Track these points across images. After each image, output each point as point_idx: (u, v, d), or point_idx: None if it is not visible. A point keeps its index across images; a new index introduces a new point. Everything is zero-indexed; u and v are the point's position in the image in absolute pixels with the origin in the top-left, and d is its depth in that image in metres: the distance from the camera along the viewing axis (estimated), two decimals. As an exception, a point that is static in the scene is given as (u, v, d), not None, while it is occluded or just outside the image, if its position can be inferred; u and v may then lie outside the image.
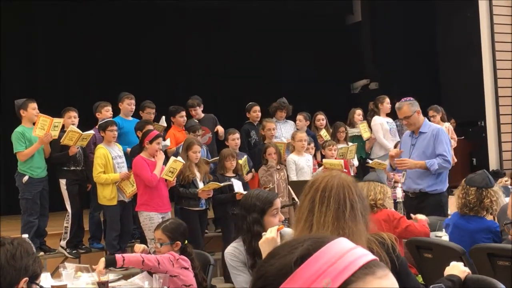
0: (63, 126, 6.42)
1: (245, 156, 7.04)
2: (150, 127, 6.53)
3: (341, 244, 0.99)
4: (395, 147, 7.38)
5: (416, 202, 5.41)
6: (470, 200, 4.07)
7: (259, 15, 11.50)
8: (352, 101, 10.90)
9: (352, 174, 7.42)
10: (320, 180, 2.20)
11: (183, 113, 7.53)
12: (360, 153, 8.19)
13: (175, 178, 6.12)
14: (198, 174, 6.33)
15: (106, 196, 6.30)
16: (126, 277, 4.26)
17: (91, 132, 6.59)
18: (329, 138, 7.87)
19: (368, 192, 4.30)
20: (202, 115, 7.76)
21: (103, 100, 7.19)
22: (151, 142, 5.97)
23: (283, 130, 7.95)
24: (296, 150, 7.20)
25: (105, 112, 6.94)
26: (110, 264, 3.59)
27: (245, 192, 5.34)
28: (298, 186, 6.25)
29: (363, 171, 7.68)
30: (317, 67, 11.74)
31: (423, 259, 4.07)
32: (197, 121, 7.53)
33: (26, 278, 2.04)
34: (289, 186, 6.87)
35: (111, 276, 3.74)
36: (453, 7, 10.63)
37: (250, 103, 8.00)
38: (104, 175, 6.24)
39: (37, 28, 10.13)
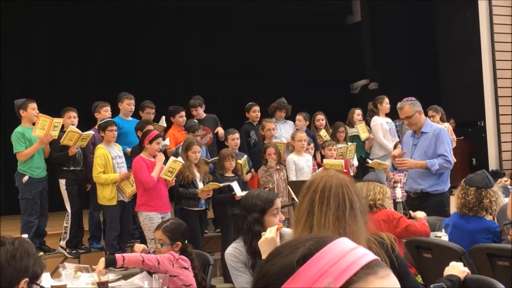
0: (62, 126, 6.42)
1: (245, 156, 7.04)
2: (150, 127, 6.53)
3: (343, 244, 0.99)
4: (395, 147, 7.38)
5: (418, 202, 5.42)
6: (470, 200, 4.07)
7: (259, 15, 11.50)
8: (352, 101, 10.90)
9: (352, 174, 7.43)
10: (318, 181, 2.21)
11: (183, 113, 7.53)
12: (359, 153, 8.19)
13: (174, 178, 6.12)
14: (197, 174, 6.34)
15: (106, 196, 6.30)
16: (125, 277, 4.26)
17: (91, 132, 6.59)
18: (329, 138, 7.87)
19: (367, 192, 4.30)
20: (204, 115, 7.77)
21: (103, 100, 7.18)
22: (151, 142, 5.97)
23: (282, 130, 7.95)
24: (295, 150, 7.20)
25: (104, 112, 6.93)
26: (110, 264, 3.59)
27: (244, 193, 5.34)
28: (297, 186, 6.25)
29: (362, 171, 7.68)
30: (317, 67, 11.74)
31: (422, 259, 4.07)
32: (197, 121, 7.53)
33: (26, 279, 2.05)
34: (288, 186, 6.87)
35: (111, 276, 3.74)
36: (453, 7, 10.63)
37: (250, 103, 8.00)
38: (104, 175, 6.24)
39: (37, 28, 10.13)
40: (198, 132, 7.10)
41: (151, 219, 5.92)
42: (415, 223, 4.34)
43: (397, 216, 4.36)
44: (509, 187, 6.48)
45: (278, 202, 3.11)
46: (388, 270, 0.98)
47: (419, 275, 4.11)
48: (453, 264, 2.88)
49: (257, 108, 7.89)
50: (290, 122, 8.16)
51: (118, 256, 3.65)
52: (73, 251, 6.46)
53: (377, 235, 2.37)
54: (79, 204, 6.59)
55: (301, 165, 7.09)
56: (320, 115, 8.32)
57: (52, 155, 6.48)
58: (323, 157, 7.56)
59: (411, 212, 4.65)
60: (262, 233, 2.68)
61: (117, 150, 6.48)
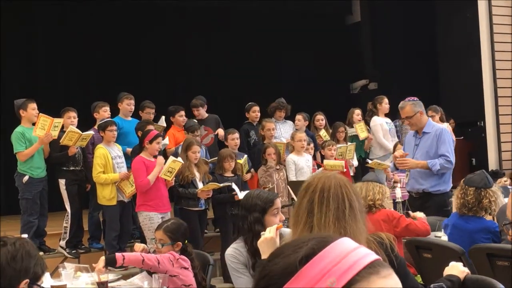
0: (62, 126, 6.42)
1: (245, 156, 7.04)
2: (150, 127, 6.53)
3: (345, 243, 1.00)
4: (395, 147, 7.38)
5: (420, 202, 5.43)
6: (469, 201, 4.07)
7: (259, 15, 11.50)
8: (352, 101, 10.90)
9: (351, 174, 7.43)
10: (317, 181, 2.21)
11: (183, 112, 7.53)
12: (359, 152, 8.19)
13: (174, 178, 6.12)
14: (197, 174, 6.34)
15: (106, 196, 6.31)
16: (125, 277, 4.27)
17: (91, 132, 6.59)
18: (329, 138, 7.86)
19: (366, 193, 4.29)
20: (206, 115, 7.77)
21: (103, 100, 7.18)
22: (151, 142, 5.97)
23: (282, 130, 7.95)
24: (295, 150, 7.20)
25: (103, 113, 6.93)
26: (110, 262, 3.60)
27: (244, 193, 5.33)
28: (297, 186, 6.23)
29: (362, 171, 7.68)
30: (317, 67, 11.74)
31: (422, 259, 4.07)
32: (196, 121, 7.54)
33: (27, 280, 2.05)
34: (288, 186, 6.87)
35: (110, 276, 3.75)
36: (453, 7, 10.63)
37: (250, 103, 8.00)
38: (104, 175, 6.25)
39: (37, 28, 10.13)
40: (197, 132, 7.10)
41: (151, 219, 5.92)
42: (415, 222, 4.33)
43: (397, 216, 4.35)
44: (509, 187, 6.47)
45: (278, 202, 3.12)
46: (390, 270, 0.98)
47: (419, 275, 4.12)
48: (452, 264, 2.88)
49: (257, 108, 7.89)
50: (289, 122, 8.16)
51: (118, 255, 3.64)
52: (73, 251, 6.47)
53: (376, 235, 2.37)
54: (78, 204, 6.59)
55: (301, 165, 7.09)
56: (319, 115, 8.32)
57: (52, 155, 6.48)
58: (323, 157, 7.56)
59: (410, 212, 4.65)
60: (262, 232, 2.68)
61: (117, 150, 6.48)
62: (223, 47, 11.17)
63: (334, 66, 11.91)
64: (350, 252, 0.97)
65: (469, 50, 10.32)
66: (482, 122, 10.27)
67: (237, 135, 7.18)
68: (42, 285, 2.16)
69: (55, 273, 4.60)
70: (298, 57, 11.58)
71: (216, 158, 6.81)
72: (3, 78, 9.30)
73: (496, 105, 10.18)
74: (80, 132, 6.30)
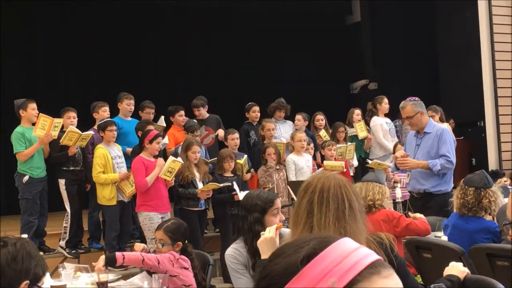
0: (62, 126, 6.42)
1: (245, 156, 7.04)
2: (151, 127, 6.53)
3: (346, 243, 1.00)
4: (395, 147, 7.39)
5: (421, 202, 5.43)
6: (469, 201, 4.07)
7: (259, 15, 11.51)
8: (352, 101, 10.90)
9: (351, 174, 7.43)
10: (316, 182, 2.21)
11: (182, 112, 7.53)
12: (359, 152, 8.19)
13: (174, 178, 6.12)
14: (197, 174, 6.34)
15: (106, 196, 6.31)
16: (125, 277, 4.26)
17: (91, 132, 6.59)
18: (328, 138, 7.86)
19: (366, 193, 4.29)
20: (207, 115, 7.78)
21: (103, 100, 7.19)
22: (151, 141, 5.97)
23: (282, 130, 7.95)
24: (295, 150, 7.20)
25: (102, 113, 6.93)
26: (110, 261, 3.59)
27: (244, 193, 5.33)
28: (297, 186, 6.23)
29: (362, 171, 7.68)
30: (316, 67, 11.75)
31: (422, 259, 4.07)
32: (196, 122, 7.54)
33: (27, 281, 2.04)
34: (288, 186, 6.87)
35: (110, 276, 3.74)
36: (453, 7, 10.63)
37: (250, 103, 8.00)
38: (104, 175, 6.25)
39: (37, 28, 10.13)
40: (197, 132, 7.10)
41: (151, 219, 5.92)
42: (415, 222, 4.33)
43: (397, 216, 4.35)
44: (509, 187, 6.47)
45: (278, 202, 3.12)
46: (391, 270, 0.98)
47: (418, 275, 4.12)
48: (452, 264, 2.88)
49: (256, 108, 7.89)
50: (289, 122, 8.16)
51: (118, 254, 3.64)
52: (73, 251, 6.47)
53: (376, 235, 2.37)
54: (78, 204, 6.59)
55: (301, 165, 7.09)
56: (319, 115, 8.32)
57: (52, 155, 6.48)
58: (322, 157, 7.56)
59: (410, 213, 4.64)
60: (262, 233, 2.68)
61: (116, 150, 6.48)
62: (223, 47, 11.17)
63: (334, 66, 11.91)
64: (351, 252, 0.97)
65: (469, 50, 10.32)
66: (482, 122, 10.27)
67: (237, 135, 7.18)
68: (42, 285, 2.15)
69: (55, 273, 4.60)
70: (298, 57, 11.58)
71: (216, 158, 6.81)
72: (3, 78, 9.31)
73: (496, 105, 10.18)
74: (80, 132, 6.30)
